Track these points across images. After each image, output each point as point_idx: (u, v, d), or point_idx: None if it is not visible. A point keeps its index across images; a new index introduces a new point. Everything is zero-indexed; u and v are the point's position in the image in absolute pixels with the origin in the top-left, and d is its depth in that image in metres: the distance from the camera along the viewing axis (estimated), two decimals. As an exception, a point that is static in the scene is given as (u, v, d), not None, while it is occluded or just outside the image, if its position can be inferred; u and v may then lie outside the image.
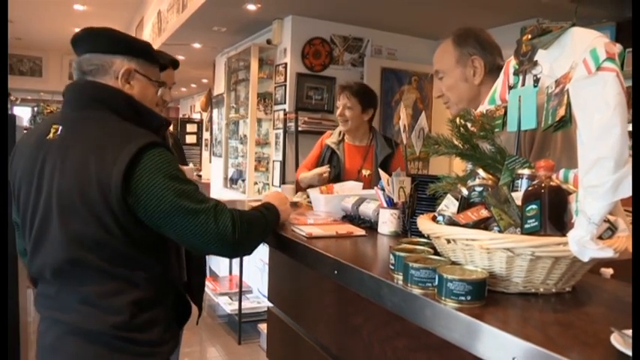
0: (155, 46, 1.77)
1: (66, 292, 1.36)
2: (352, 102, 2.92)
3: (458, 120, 1.28)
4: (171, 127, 1.89)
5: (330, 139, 3.07)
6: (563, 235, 0.94)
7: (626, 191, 0.86)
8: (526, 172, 1.10)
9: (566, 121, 1.01)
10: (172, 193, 1.28)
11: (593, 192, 0.88)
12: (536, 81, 1.16)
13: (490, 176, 1.16)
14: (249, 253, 1.51)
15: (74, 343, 1.32)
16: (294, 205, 2.30)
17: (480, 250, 0.98)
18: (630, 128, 0.87)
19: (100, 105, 1.39)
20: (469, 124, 1.28)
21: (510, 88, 1.26)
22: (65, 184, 1.31)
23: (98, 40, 1.44)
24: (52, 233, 1.33)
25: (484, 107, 1.37)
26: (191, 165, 1.94)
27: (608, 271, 1.33)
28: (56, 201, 1.32)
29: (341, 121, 3.00)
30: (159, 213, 1.29)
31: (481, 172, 1.17)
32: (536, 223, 0.96)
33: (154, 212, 1.29)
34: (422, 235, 1.22)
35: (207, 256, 1.93)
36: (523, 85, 1.21)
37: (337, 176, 2.90)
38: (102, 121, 1.38)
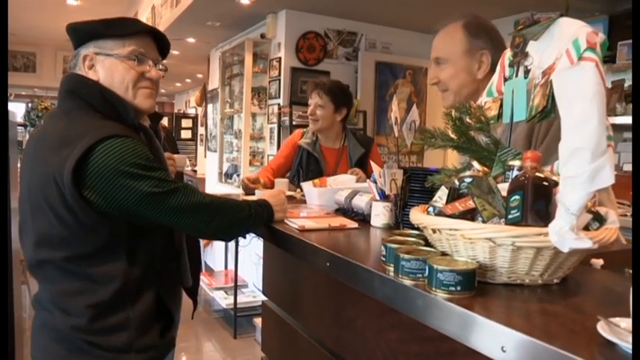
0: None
1: (41, 289, 1.39)
2: (324, 100, 2.79)
3: (453, 113, 1.28)
4: (166, 122, 1.89)
5: (304, 139, 2.91)
6: (546, 225, 0.93)
7: (604, 181, 0.85)
8: (517, 163, 1.09)
9: (548, 112, 1.01)
10: (131, 180, 1.25)
11: (571, 182, 0.88)
12: (527, 72, 1.16)
13: (485, 168, 1.16)
14: (227, 237, 1.63)
15: (44, 338, 1.36)
16: (289, 198, 2.29)
17: (464, 240, 0.98)
18: (610, 120, 0.86)
19: (74, 96, 1.37)
20: (465, 117, 1.28)
21: (506, 79, 1.26)
22: (32, 183, 1.31)
23: (71, 38, 1.44)
24: (28, 231, 1.35)
25: (482, 99, 1.37)
26: (182, 155, 1.95)
27: (599, 262, 1.34)
28: (27, 199, 1.33)
29: (311, 120, 2.84)
30: (119, 201, 1.25)
31: (476, 164, 1.17)
32: (518, 214, 0.95)
33: (115, 202, 1.25)
34: (414, 227, 1.23)
35: (201, 252, 1.93)
36: (517, 76, 1.21)
37: None
38: (73, 114, 1.34)
